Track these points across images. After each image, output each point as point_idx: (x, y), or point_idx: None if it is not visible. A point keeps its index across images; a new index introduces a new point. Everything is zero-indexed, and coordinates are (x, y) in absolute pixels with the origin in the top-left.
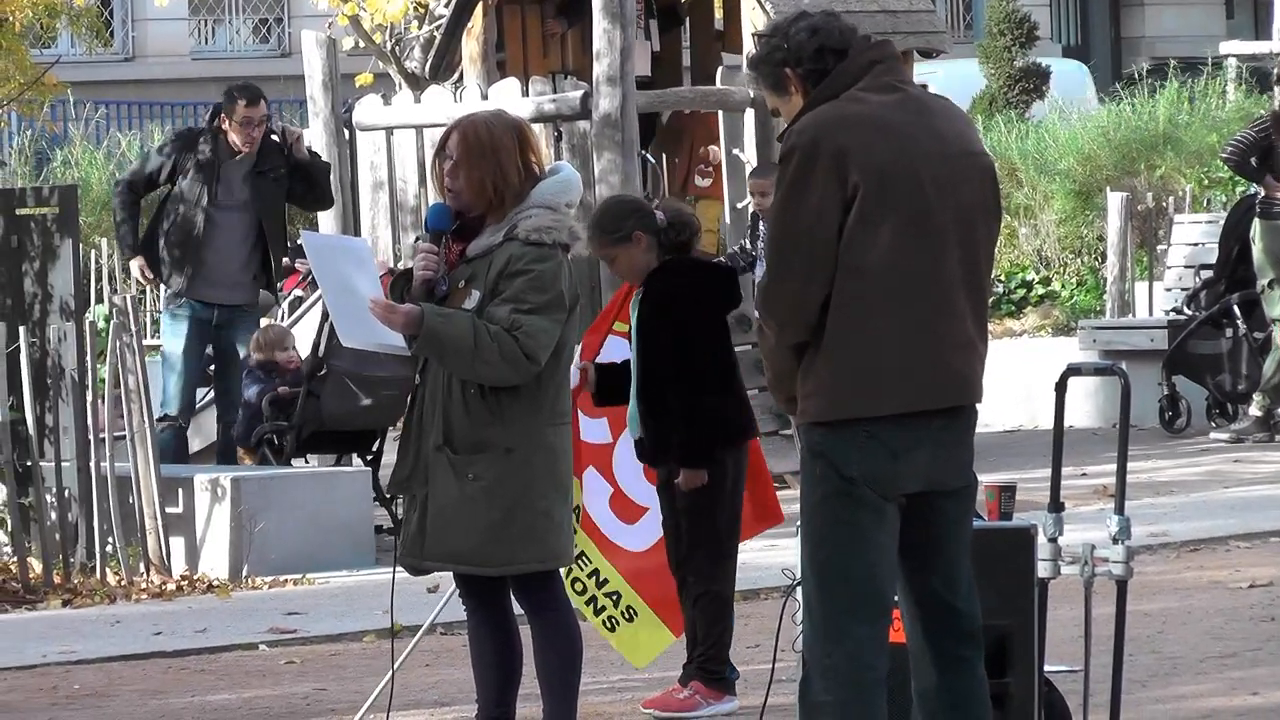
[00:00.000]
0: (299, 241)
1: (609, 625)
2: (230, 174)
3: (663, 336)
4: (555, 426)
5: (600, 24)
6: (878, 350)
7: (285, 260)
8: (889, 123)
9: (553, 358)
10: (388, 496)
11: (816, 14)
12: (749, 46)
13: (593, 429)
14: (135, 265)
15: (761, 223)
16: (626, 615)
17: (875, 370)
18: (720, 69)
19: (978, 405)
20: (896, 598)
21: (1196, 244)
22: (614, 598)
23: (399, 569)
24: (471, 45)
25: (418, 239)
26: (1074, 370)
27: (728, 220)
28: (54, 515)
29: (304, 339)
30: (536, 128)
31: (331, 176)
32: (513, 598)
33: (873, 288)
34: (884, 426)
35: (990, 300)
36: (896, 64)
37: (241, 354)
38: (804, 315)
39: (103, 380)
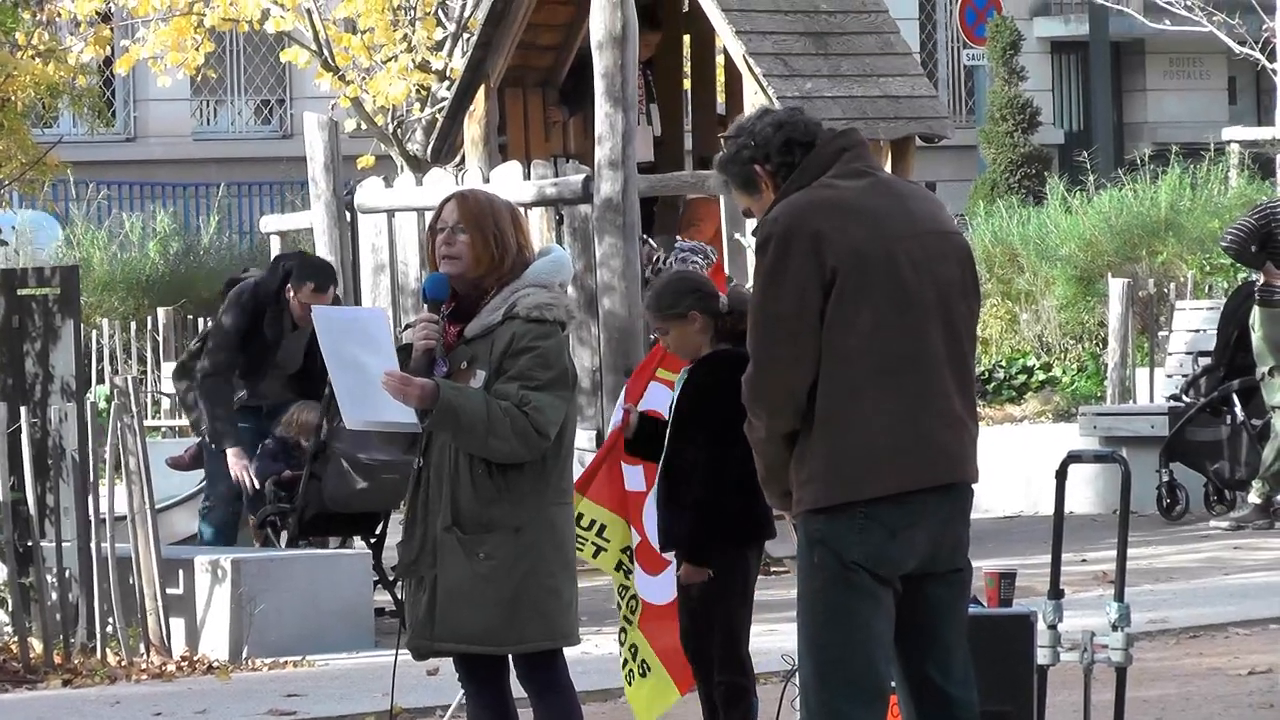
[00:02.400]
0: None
1: (627, 679)
2: (290, 345)
3: (694, 427)
4: (560, 505)
5: (602, 108)
6: (868, 431)
7: None
8: (862, 206)
9: (556, 436)
10: (390, 579)
11: (779, 110)
12: None
13: (630, 475)
14: (236, 460)
15: None
16: (641, 670)
17: (868, 452)
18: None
19: (973, 485)
20: (893, 683)
21: (1198, 330)
22: (633, 650)
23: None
24: (473, 128)
25: (407, 327)
26: (1074, 457)
27: None
28: (54, 595)
29: None
30: (537, 211)
31: None
32: (517, 678)
33: (858, 369)
34: (881, 507)
35: (990, 386)
36: (864, 150)
37: None
38: (793, 402)
39: (104, 461)
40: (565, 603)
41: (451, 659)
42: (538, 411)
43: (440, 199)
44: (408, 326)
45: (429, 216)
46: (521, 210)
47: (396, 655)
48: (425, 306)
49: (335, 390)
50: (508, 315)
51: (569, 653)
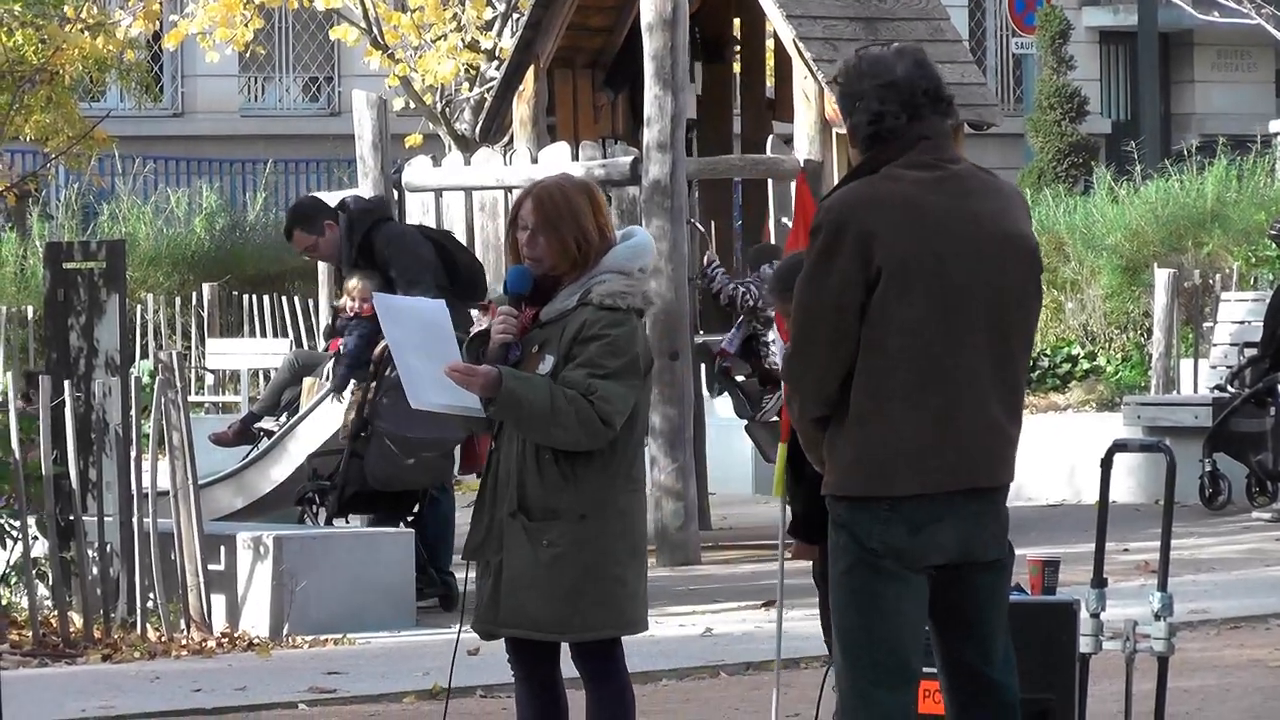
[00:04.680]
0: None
1: None
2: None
3: None
4: (630, 493)
5: (651, 90)
6: (897, 430)
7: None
8: (919, 204)
9: (627, 423)
10: (424, 558)
11: (893, 100)
12: (800, 114)
13: None
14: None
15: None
16: None
17: (894, 450)
18: (770, 137)
19: (1007, 484)
20: (932, 669)
21: (1243, 322)
22: None
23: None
24: (522, 108)
25: (500, 301)
26: (1120, 446)
27: None
28: (95, 570)
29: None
30: None
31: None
32: (572, 663)
33: (893, 368)
34: (905, 504)
35: (1035, 374)
36: (945, 141)
37: None
38: (824, 390)
39: (146, 436)
40: (630, 592)
41: (504, 641)
42: (604, 401)
43: (497, 182)
44: (485, 305)
45: (477, 196)
46: (598, 188)
47: (459, 633)
48: (506, 298)
49: (400, 373)
50: (581, 301)
51: None
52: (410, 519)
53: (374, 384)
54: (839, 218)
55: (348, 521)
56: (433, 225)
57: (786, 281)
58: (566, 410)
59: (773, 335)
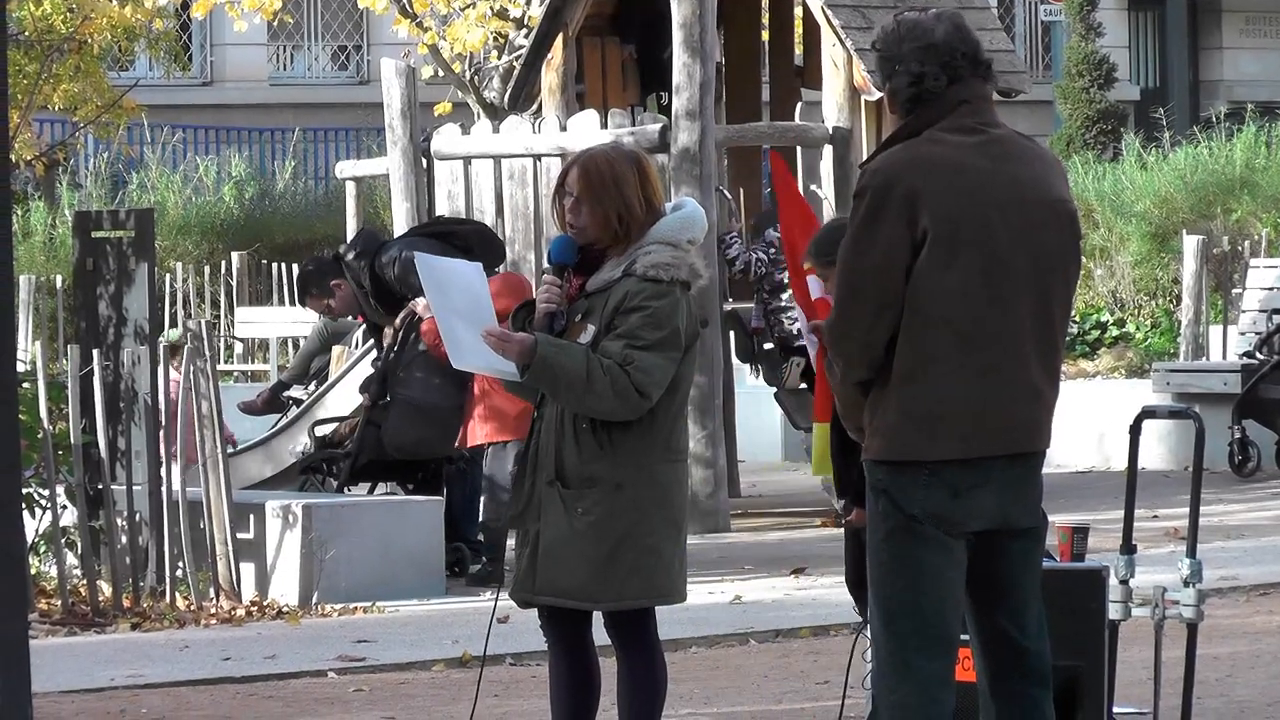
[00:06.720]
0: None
1: None
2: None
3: None
4: (669, 463)
5: (680, 58)
6: (940, 394)
7: None
8: (964, 167)
9: (667, 394)
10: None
11: (933, 62)
12: (828, 82)
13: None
14: None
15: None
16: None
17: (937, 414)
18: (799, 105)
19: (1045, 449)
20: (966, 635)
21: (1271, 288)
22: None
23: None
24: (551, 76)
25: (544, 271)
26: (1149, 413)
27: None
28: (125, 539)
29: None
30: None
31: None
32: (605, 630)
33: (937, 332)
34: (946, 468)
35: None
36: (984, 105)
37: None
38: (869, 353)
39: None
40: (665, 562)
41: (537, 609)
42: (641, 372)
43: (525, 150)
44: (544, 270)
45: (506, 164)
46: (649, 159)
47: (496, 602)
48: (551, 268)
49: (442, 333)
50: (626, 272)
51: None
52: (413, 487)
53: (395, 354)
54: (885, 180)
55: (349, 491)
56: (461, 193)
57: (824, 247)
58: (602, 380)
59: (786, 298)
